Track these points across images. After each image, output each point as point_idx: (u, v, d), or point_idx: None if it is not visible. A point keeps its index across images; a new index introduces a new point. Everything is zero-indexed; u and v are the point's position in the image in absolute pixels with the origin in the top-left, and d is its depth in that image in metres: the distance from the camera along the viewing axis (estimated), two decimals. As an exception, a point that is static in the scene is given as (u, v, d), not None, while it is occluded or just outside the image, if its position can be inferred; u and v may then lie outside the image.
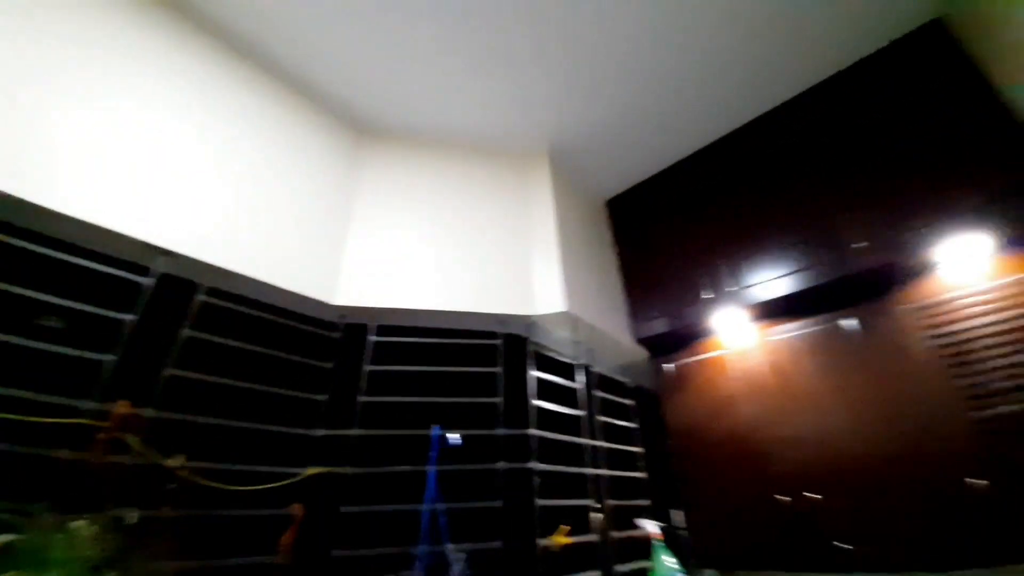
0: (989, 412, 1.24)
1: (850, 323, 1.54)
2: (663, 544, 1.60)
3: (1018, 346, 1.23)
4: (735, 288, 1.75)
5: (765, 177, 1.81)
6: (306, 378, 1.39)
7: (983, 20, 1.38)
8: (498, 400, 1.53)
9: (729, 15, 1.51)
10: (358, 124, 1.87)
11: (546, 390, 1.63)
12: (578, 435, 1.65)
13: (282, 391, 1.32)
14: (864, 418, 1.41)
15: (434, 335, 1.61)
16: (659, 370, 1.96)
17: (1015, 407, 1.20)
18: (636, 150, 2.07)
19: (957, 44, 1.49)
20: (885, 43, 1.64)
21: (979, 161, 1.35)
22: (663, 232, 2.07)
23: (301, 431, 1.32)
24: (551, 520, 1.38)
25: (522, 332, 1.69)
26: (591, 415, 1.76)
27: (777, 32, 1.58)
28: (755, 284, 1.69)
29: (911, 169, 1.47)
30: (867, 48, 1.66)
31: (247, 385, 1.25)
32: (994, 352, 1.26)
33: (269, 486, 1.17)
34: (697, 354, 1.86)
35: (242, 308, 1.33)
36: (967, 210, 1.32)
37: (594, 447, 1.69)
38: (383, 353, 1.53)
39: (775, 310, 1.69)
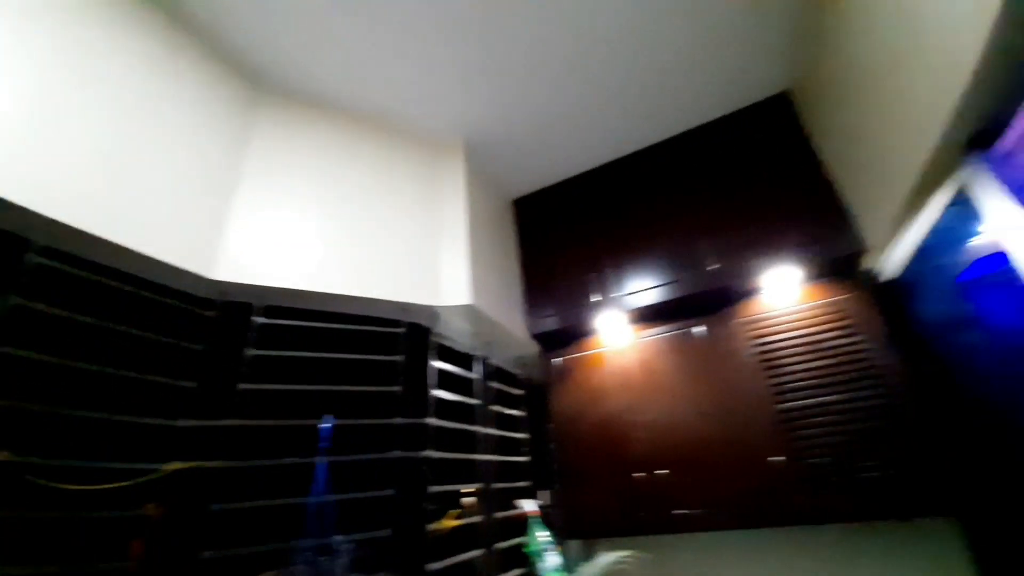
0: (787, 405, 1.61)
1: (699, 330, 1.86)
2: (539, 521, 1.76)
3: (810, 355, 1.63)
4: (617, 294, 1.98)
5: (649, 199, 2.08)
6: (169, 362, 1.22)
7: (816, 102, 1.77)
8: (397, 389, 1.52)
9: (625, 56, 1.71)
10: (255, 80, 1.67)
11: (445, 380, 1.67)
12: (472, 423, 1.72)
13: (137, 375, 1.14)
14: (704, 407, 1.73)
15: (332, 320, 1.52)
16: (548, 363, 2.12)
17: (804, 401, 1.59)
18: (544, 156, 2.19)
19: (796, 116, 1.88)
20: (747, 104, 2.00)
21: (797, 212, 1.74)
22: (562, 237, 2.24)
23: (162, 422, 1.16)
24: (441, 505, 1.43)
25: (425, 322, 1.70)
26: (485, 404, 1.84)
27: (665, 80, 1.83)
28: (633, 292, 1.94)
29: (753, 210, 1.82)
30: (732, 106, 2.01)
31: (89, 367, 1.05)
32: (794, 359, 1.65)
33: (119, 484, 1.01)
34: (581, 350, 2.07)
35: (91, 275, 1.11)
36: (786, 249, 1.70)
37: (486, 435, 1.78)
38: (270, 336, 1.41)
39: (646, 315, 1.96)
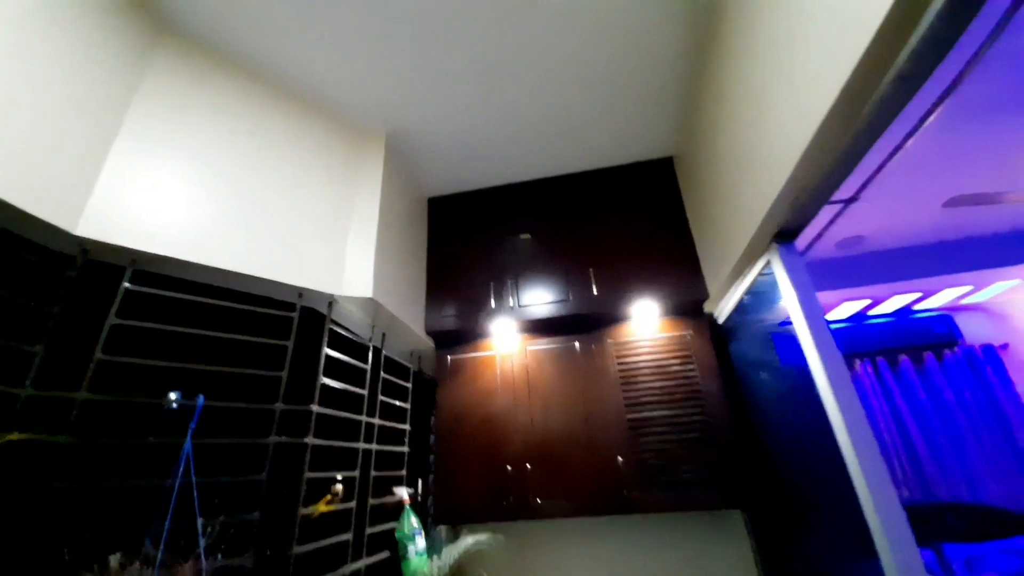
0: (634, 415, 1.95)
1: (578, 345, 2.13)
2: (411, 508, 1.86)
3: (657, 376, 1.98)
4: (514, 304, 2.17)
5: (552, 224, 2.31)
6: (17, 323, 1.06)
7: (689, 172, 2.15)
8: (282, 374, 1.49)
9: (545, 96, 1.91)
10: (156, 15, 1.48)
11: (335, 368, 1.67)
12: (358, 412, 1.75)
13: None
14: (572, 413, 1.99)
15: (217, 295, 1.44)
16: (442, 361, 2.22)
17: (647, 413, 1.94)
18: (462, 163, 2.29)
19: (676, 180, 2.26)
20: (640, 159, 2.35)
21: (665, 259, 2.11)
22: (470, 242, 2.36)
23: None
24: (319, 490, 1.45)
25: (322, 309, 1.68)
26: (373, 395, 1.88)
27: (575, 124, 2.08)
28: (529, 305, 2.15)
29: (633, 251, 2.16)
30: (628, 158, 2.34)
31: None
32: (645, 378, 2.00)
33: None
34: (474, 351, 2.21)
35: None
36: (653, 287, 2.05)
37: (369, 423, 1.82)
38: (141, 305, 1.29)
39: (536, 327, 2.18)
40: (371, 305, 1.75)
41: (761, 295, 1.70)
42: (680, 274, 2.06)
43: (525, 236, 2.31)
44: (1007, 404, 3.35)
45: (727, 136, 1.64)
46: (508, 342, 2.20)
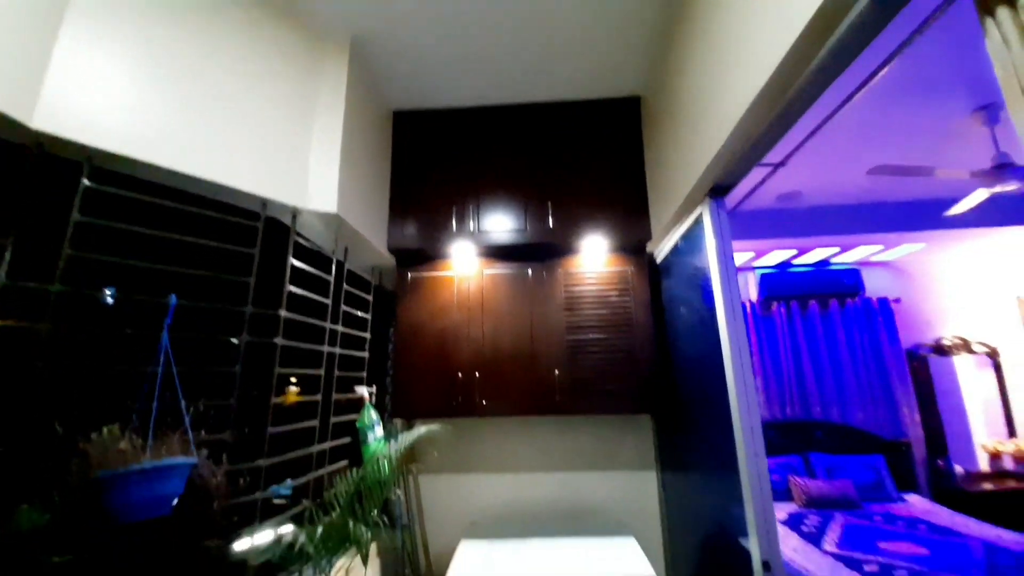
0: (574, 337, 2.22)
1: (530, 272, 2.32)
2: (371, 403, 2.11)
3: (597, 305, 2.24)
4: (474, 229, 2.29)
5: (516, 153, 2.36)
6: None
7: (651, 116, 2.23)
8: (250, 280, 1.58)
9: (520, 14, 1.84)
10: None
11: (301, 277, 1.77)
12: (323, 319, 1.90)
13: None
14: (520, 331, 2.24)
15: (181, 200, 1.46)
16: (402, 277, 2.36)
17: (584, 336, 2.21)
18: (431, 77, 2.22)
19: (639, 121, 2.34)
20: (608, 96, 2.37)
21: (619, 198, 2.26)
22: (435, 162, 2.39)
23: (-37, 275, 1.05)
24: (288, 383, 1.64)
25: (286, 220, 1.73)
26: (336, 304, 2.02)
27: (549, 49, 2.05)
28: (488, 231, 2.28)
29: (591, 187, 2.29)
30: (597, 93, 2.36)
31: None
32: (587, 306, 2.25)
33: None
34: (434, 271, 2.35)
35: None
36: (605, 224, 2.22)
37: (333, 330, 1.98)
38: (105, 205, 1.30)
39: (494, 252, 2.33)
40: (335, 220, 1.81)
41: (692, 242, 1.92)
42: (630, 214, 2.24)
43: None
44: (887, 348, 4.00)
45: (688, 83, 1.72)
46: (466, 264, 2.35)
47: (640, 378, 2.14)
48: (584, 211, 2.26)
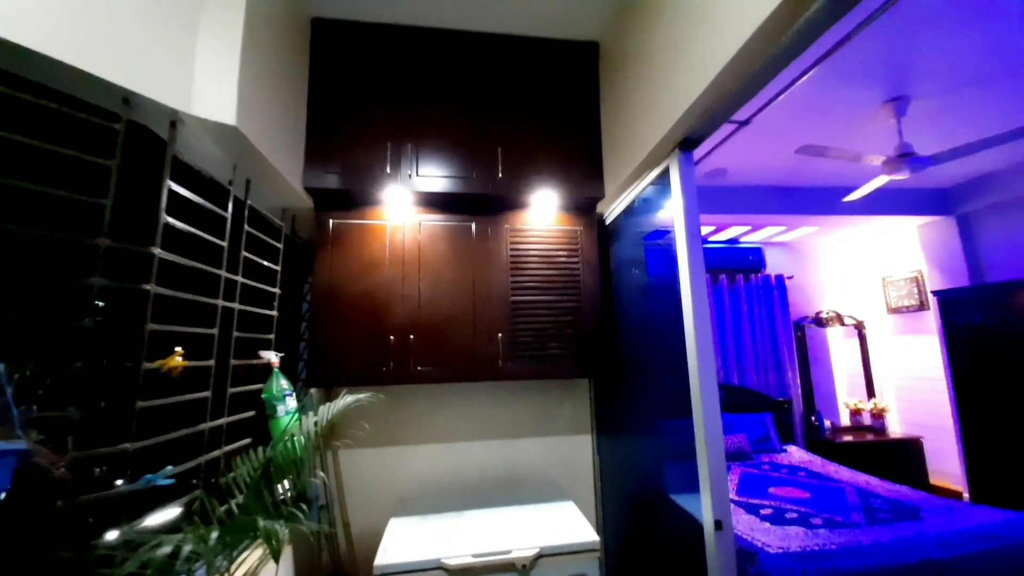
0: (518, 298, 2.07)
1: (474, 226, 2.09)
2: (280, 371, 1.77)
3: (544, 265, 2.09)
4: (412, 173, 1.98)
5: (465, 92, 2.08)
6: None
7: (609, 66, 2.08)
8: (105, 202, 1.15)
9: None
10: None
11: (184, 208, 1.36)
12: (217, 266, 1.50)
13: None
14: (460, 289, 2.02)
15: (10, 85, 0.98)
16: (322, 224, 1.99)
17: (529, 297, 2.07)
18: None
19: (596, 68, 2.18)
20: (564, 37, 2.17)
21: (572, 153, 2.11)
22: (368, 89, 2.01)
23: None
24: (169, 345, 1.25)
25: (161, 129, 1.30)
26: (236, 249, 1.62)
27: None
28: (429, 176, 1.99)
29: (544, 138, 2.10)
30: (552, 32, 2.14)
31: None
32: (533, 265, 2.09)
33: None
34: (361, 218, 2.02)
35: None
36: (556, 180, 2.06)
37: (231, 280, 1.59)
38: None
39: (434, 201, 2.06)
40: (233, 137, 1.41)
41: (652, 199, 1.84)
42: (583, 170, 2.10)
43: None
44: (779, 320, 4.47)
45: (660, 32, 1.59)
46: (401, 213, 2.05)
47: (585, 341, 2.07)
48: (536, 163, 2.07)
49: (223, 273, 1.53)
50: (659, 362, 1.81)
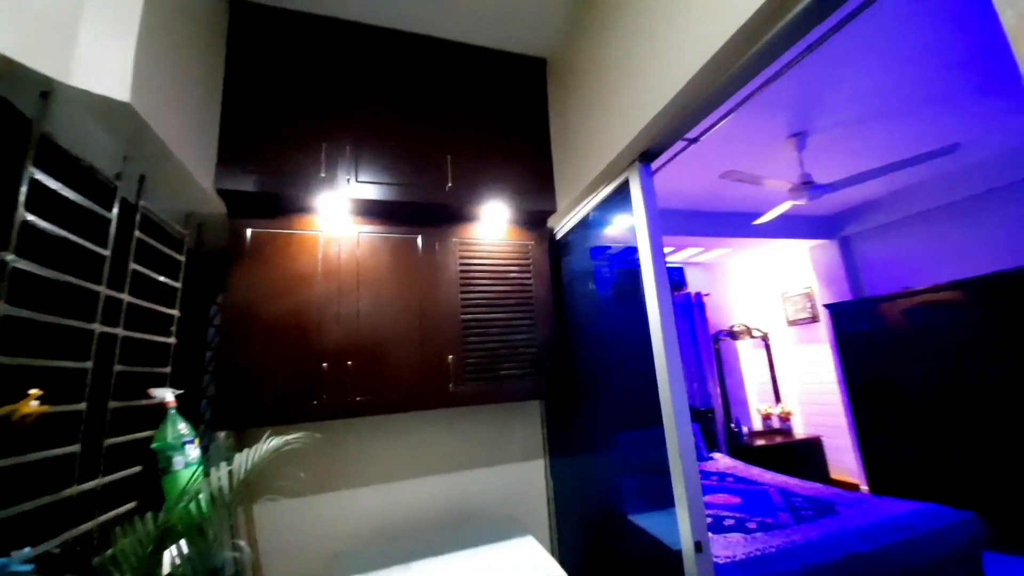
0: (468, 316, 1.92)
1: (421, 238, 1.93)
2: (177, 412, 1.43)
3: (495, 281, 1.98)
4: (351, 178, 1.78)
5: (414, 96, 1.94)
6: None
7: (558, 83, 2.09)
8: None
9: None
10: None
11: (51, 204, 1.05)
12: (96, 281, 1.17)
13: None
14: (406, 308, 1.83)
15: None
16: (238, 232, 1.69)
17: (479, 315, 1.93)
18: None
19: (544, 84, 2.17)
20: (514, 50, 2.15)
21: (523, 165, 2.05)
22: (301, 85, 1.79)
23: None
24: (23, 384, 0.92)
25: (25, 103, 0.99)
26: (121, 260, 1.29)
27: None
28: (370, 182, 1.80)
29: (494, 148, 2.02)
30: (502, 44, 2.10)
31: None
32: (483, 281, 1.97)
33: None
34: (288, 227, 1.75)
35: None
36: (507, 191, 1.98)
37: (114, 299, 1.25)
38: None
39: (377, 211, 1.87)
40: (126, 119, 1.13)
41: (608, 212, 1.83)
42: (535, 183, 2.05)
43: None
44: (700, 334, 4.79)
45: (616, 45, 1.61)
46: (337, 222, 1.82)
47: (540, 360, 1.97)
48: (487, 173, 1.97)
49: (103, 290, 1.20)
50: (619, 378, 1.76)
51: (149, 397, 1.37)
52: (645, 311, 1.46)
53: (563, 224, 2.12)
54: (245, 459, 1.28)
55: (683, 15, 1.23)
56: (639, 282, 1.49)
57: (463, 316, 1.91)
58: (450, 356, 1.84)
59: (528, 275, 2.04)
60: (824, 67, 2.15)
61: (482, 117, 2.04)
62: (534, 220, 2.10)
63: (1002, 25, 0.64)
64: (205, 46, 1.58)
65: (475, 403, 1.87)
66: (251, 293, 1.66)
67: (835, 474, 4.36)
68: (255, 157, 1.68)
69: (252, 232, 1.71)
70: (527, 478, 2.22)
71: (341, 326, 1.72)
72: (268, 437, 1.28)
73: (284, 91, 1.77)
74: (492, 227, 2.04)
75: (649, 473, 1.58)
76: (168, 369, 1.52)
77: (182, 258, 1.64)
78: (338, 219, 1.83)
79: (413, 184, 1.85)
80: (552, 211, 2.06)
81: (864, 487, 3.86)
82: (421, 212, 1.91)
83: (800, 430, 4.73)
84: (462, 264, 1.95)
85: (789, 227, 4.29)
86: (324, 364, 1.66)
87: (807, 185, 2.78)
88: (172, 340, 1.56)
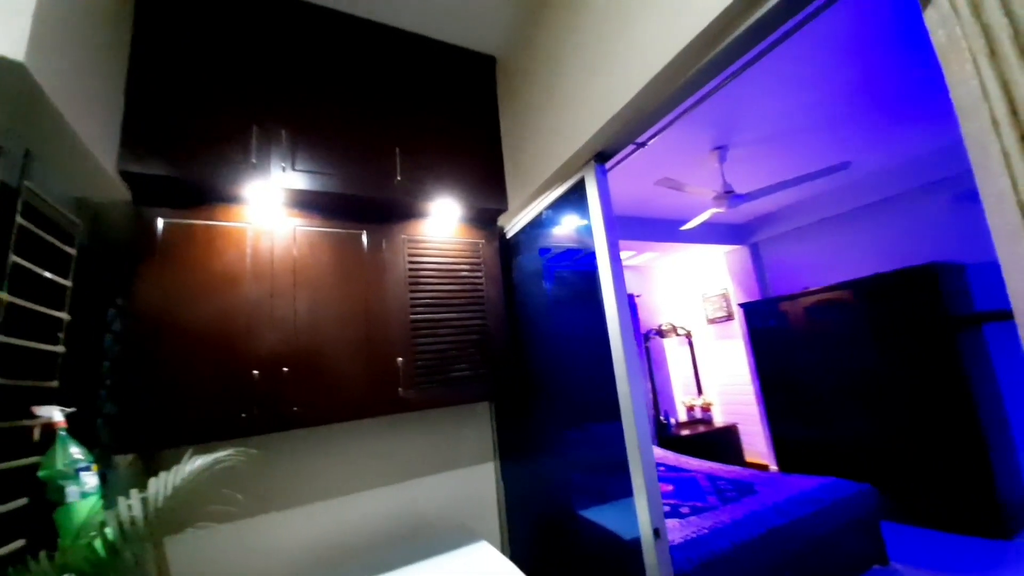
0: (418, 316, 1.84)
1: (366, 235, 1.81)
2: (68, 433, 1.19)
3: (445, 280, 1.91)
4: (286, 166, 1.62)
5: (362, 83, 1.83)
6: None
7: (508, 82, 2.08)
8: None
9: None
10: None
11: None
12: (-43, 273, 0.94)
13: None
14: (350, 309, 1.70)
15: None
16: (146, 223, 1.46)
17: (429, 315, 1.85)
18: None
19: (494, 82, 2.16)
20: (465, 45, 2.11)
21: (474, 162, 2.02)
22: (227, 57, 1.59)
23: None
24: None
25: None
26: (0, 252, 1.05)
27: None
28: (309, 172, 1.65)
29: (445, 143, 1.97)
30: (454, 37, 2.05)
31: None
32: (433, 280, 1.90)
33: None
34: (210, 218, 1.55)
35: None
36: (458, 189, 1.93)
37: (-18, 299, 1.02)
38: None
39: (317, 204, 1.72)
40: (17, 82, 0.93)
41: (556, 215, 1.85)
42: (486, 182, 2.02)
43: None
44: (634, 333, 5.05)
45: (573, 47, 1.63)
46: (270, 215, 1.65)
47: (492, 361, 1.94)
48: (438, 169, 1.90)
49: (-33, 286, 0.97)
50: (572, 376, 1.78)
51: (33, 416, 1.13)
52: (599, 309, 1.49)
53: (514, 223, 2.11)
54: (163, 484, 1.10)
55: (643, 20, 1.28)
56: (594, 281, 1.52)
57: (413, 317, 1.82)
58: (399, 359, 1.74)
59: (479, 274, 2.00)
60: (743, 87, 2.37)
61: (432, 111, 1.97)
62: (485, 219, 2.07)
63: (932, 43, 0.72)
64: (115, 12, 1.35)
65: (426, 407, 1.78)
66: (162, 294, 1.44)
67: (749, 457, 4.81)
68: (169, 137, 1.47)
69: (164, 223, 1.49)
70: (478, 483, 2.17)
71: (275, 330, 1.56)
72: (191, 456, 1.10)
73: (207, 67, 1.57)
74: (442, 225, 1.97)
75: (603, 468, 1.62)
76: (56, 383, 1.26)
77: (73, 251, 1.38)
78: (271, 211, 1.65)
79: (358, 176, 1.73)
80: (503, 210, 2.05)
81: (773, 467, 4.29)
82: (367, 207, 1.79)
83: (719, 419, 5.16)
84: (411, 262, 1.86)
85: (709, 234, 4.67)
86: (255, 372, 1.49)
87: (728, 194, 3.05)
88: (60, 348, 1.30)
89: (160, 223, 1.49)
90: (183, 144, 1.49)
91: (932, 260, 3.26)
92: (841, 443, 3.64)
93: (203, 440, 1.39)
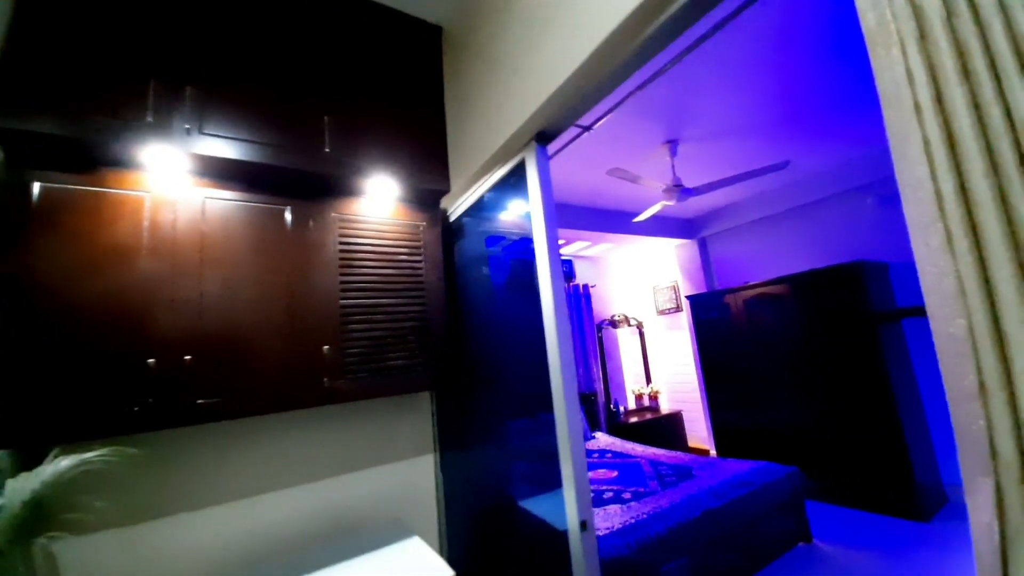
0: (349, 301, 1.71)
1: (290, 211, 1.66)
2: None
3: (381, 263, 1.80)
4: (192, 128, 1.44)
5: (286, 40, 1.65)
6: None
7: (454, 56, 1.97)
8: None
9: None
10: None
11: None
12: None
13: None
14: (270, 292, 1.55)
15: None
16: (22, 188, 1.25)
17: (362, 300, 1.73)
18: None
19: (439, 53, 2.03)
20: (409, 11, 1.97)
21: (415, 138, 1.89)
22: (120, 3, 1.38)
23: None
24: None
25: None
26: None
27: None
28: (220, 136, 1.48)
29: (382, 114, 1.83)
30: (398, 4, 1.92)
31: None
32: (368, 263, 1.77)
33: None
34: (101, 184, 1.35)
35: None
36: (395, 165, 1.81)
37: None
38: None
39: (230, 172, 1.54)
40: None
41: (498, 198, 1.77)
42: (428, 160, 1.90)
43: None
44: (587, 323, 5.08)
45: (515, 19, 1.54)
46: (172, 183, 1.46)
47: (431, 349, 1.84)
48: (373, 142, 1.77)
49: None
50: (512, 366, 1.73)
51: None
52: (538, 297, 1.43)
53: (457, 206, 2.01)
54: (21, 487, 0.94)
55: (581, -8, 1.21)
56: (533, 268, 1.46)
57: (343, 301, 1.69)
58: (326, 347, 1.61)
59: (419, 258, 1.89)
60: (690, 80, 2.37)
61: (371, 80, 1.82)
62: (426, 200, 1.95)
63: (861, 27, 0.69)
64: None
65: (358, 398, 1.67)
66: (39, 269, 1.24)
67: (692, 443, 5.01)
68: (46, 85, 1.26)
69: (42, 188, 1.28)
70: (415, 475, 2.08)
71: (176, 314, 1.39)
72: (54, 457, 0.95)
73: (99, 8, 1.35)
74: (379, 204, 1.85)
75: (539, 458, 1.58)
76: None
77: (-86, 216, 1.16)
78: (175, 180, 1.47)
79: (281, 144, 1.57)
80: (445, 191, 1.94)
81: (713, 452, 4.49)
82: (291, 179, 1.64)
83: (666, 406, 5.33)
84: (342, 243, 1.73)
85: (661, 227, 4.76)
86: (151, 361, 1.32)
87: (678, 188, 3.08)
88: None
89: (37, 187, 1.28)
90: (65, 96, 1.28)
91: (859, 258, 3.46)
92: (774, 429, 3.84)
93: (86, 437, 1.22)
